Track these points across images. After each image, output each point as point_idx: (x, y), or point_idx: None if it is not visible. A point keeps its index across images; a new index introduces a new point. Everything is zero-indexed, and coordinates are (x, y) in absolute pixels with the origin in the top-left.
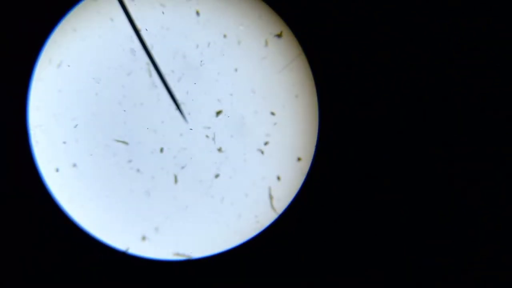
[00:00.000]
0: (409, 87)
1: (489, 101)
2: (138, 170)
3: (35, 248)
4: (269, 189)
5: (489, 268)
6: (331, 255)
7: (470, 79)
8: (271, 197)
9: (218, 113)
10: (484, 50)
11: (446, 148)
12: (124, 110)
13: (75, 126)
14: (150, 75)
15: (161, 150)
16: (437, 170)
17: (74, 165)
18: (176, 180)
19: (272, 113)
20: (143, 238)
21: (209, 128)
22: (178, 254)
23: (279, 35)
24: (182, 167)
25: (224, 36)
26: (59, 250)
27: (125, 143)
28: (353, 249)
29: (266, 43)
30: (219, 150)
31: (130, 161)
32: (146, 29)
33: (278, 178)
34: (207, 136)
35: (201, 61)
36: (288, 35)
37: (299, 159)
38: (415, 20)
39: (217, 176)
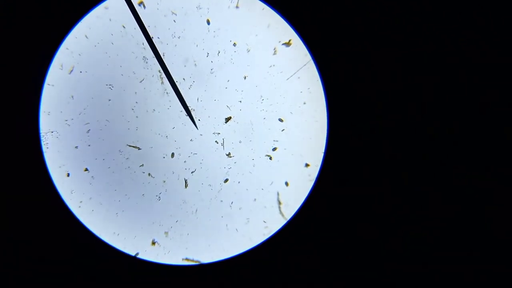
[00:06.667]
0: (420, 95)
1: (500, 103)
2: (149, 175)
3: (46, 252)
4: (278, 194)
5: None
6: (339, 260)
7: (485, 81)
8: (279, 203)
9: (228, 119)
10: (497, 50)
11: (456, 156)
12: (137, 116)
13: (88, 132)
14: (162, 82)
15: (172, 155)
16: (448, 175)
17: (86, 169)
18: (186, 185)
19: (281, 120)
20: (153, 242)
21: (218, 134)
22: (187, 259)
23: (287, 44)
24: (192, 172)
25: (234, 44)
26: (69, 254)
27: (137, 148)
28: (361, 254)
29: (275, 51)
30: (228, 155)
31: (141, 165)
32: (158, 37)
33: (287, 183)
34: (216, 142)
35: (211, 69)
36: (296, 43)
37: (307, 165)
38: (426, 28)
39: (226, 181)
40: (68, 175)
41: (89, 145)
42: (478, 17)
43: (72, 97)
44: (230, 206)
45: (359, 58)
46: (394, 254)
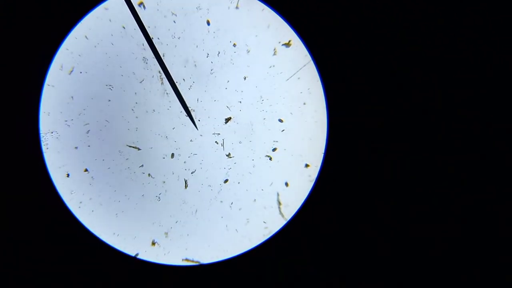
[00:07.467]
0: (420, 95)
1: (498, 103)
2: (149, 175)
3: (45, 252)
4: (278, 195)
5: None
6: (339, 260)
7: (485, 81)
8: (279, 203)
9: (228, 120)
10: (494, 49)
11: (458, 156)
12: (137, 117)
13: (88, 132)
14: (162, 83)
15: (172, 155)
16: (450, 175)
17: (86, 170)
18: (186, 185)
19: (280, 120)
20: (153, 243)
21: (218, 134)
22: (187, 260)
23: (287, 44)
24: (192, 172)
25: (234, 45)
26: (69, 254)
27: (137, 148)
28: (362, 254)
29: (275, 52)
30: (228, 156)
31: (141, 166)
32: (158, 38)
33: (286, 184)
34: (216, 142)
35: (211, 70)
36: (296, 44)
37: (307, 165)
38: (426, 27)
39: (226, 181)
40: (68, 175)
41: (89, 146)
42: (477, 16)
43: (72, 97)
44: (230, 207)
45: (359, 58)
46: (395, 254)
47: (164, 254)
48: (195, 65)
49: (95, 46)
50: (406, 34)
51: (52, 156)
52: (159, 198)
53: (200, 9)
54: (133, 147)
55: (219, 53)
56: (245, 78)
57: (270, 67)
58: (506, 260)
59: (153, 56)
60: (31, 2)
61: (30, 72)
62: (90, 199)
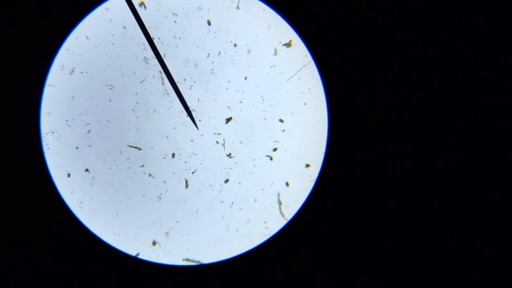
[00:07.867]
0: (421, 95)
1: (499, 103)
2: (150, 175)
3: (46, 252)
4: (278, 195)
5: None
6: (340, 261)
7: (486, 81)
8: (280, 203)
9: (228, 120)
10: (494, 49)
11: (458, 156)
12: (137, 117)
13: (88, 132)
14: (163, 83)
15: (173, 155)
16: (450, 175)
17: (86, 170)
18: (187, 185)
19: (281, 120)
20: (154, 243)
21: (219, 134)
22: (187, 260)
23: (288, 44)
24: (193, 172)
25: (235, 45)
26: (70, 254)
27: (138, 148)
28: (362, 255)
29: (275, 52)
30: (229, 156)
31: (142, 166)
32: (159, 38)
33: (287, 184)
34: (217, 142)
35: (212, 70)
36: (297, 44)
37: (307, 165)
38: (426, 27)
39: (226, 181)
40: (69, 175)
41: (89, 146)
42: (477, 16)
43: (73, 97)
44: (231, 207)
45: (360, 58)
46: (395, 254)
47: (165, 254)
48: (196, 65)
49: (96, 46)
50: (407, 34)
51: (53, 156)
52: (159, 198)
53: (200, 9)
54: (134, 147)
55: (219, 53)
56: (245, 78)
57: (271, 67)
58: (506, 260)
59: (154, 56)
60: (32, 2)
61: (31, 72)
62: (91, 199)
